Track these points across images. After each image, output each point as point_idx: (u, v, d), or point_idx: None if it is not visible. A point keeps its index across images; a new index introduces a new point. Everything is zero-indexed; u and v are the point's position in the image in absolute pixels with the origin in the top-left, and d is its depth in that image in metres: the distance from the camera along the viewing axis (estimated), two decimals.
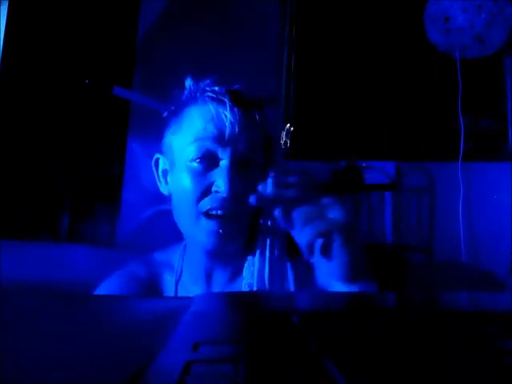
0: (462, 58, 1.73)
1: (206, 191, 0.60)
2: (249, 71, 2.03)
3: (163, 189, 0.71)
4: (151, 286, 0.70)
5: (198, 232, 0.62)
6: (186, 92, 0.68)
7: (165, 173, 0.70)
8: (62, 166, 1.90)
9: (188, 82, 0.69)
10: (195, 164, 0.60)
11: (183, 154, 0.62)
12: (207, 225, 0.60)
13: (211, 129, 0.60)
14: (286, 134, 0.79)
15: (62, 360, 0.22)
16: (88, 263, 1.25)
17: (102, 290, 0.72)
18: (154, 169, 0.72)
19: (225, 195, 0.59)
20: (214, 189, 0.60)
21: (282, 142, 0.74)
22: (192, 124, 0.62)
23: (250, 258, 0.66)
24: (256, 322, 0.28)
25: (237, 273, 0.68)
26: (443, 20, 1.67)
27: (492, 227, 1.72)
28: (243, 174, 0.61)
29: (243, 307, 0.34)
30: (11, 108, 1.80)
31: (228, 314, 0.32)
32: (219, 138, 0.59)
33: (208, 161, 0.60)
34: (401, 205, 1.79)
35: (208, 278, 0.69)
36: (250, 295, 0.53)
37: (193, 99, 0.65)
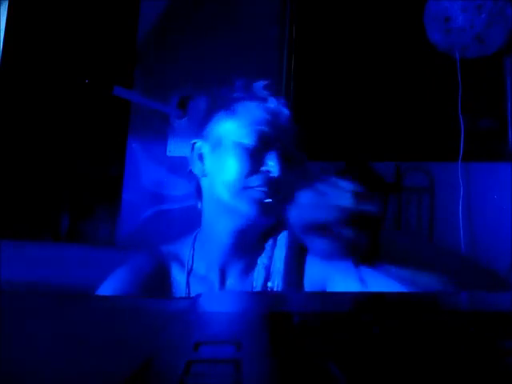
0: (461, 58, 1.73)
1: (254, 169, 0.67)
2: (249, 71, 2.03)
3: (197, 170, 0.76)
4: (159, 279, 0.72)
5: (243, 202, 0.67)
6: (238, 89, 0.74)
7: (201, 156, 0.76)
8: (62, 166, 1.90)
9: (240, 81, 0.76)
10: (251, 145, 0.67)
11: (235, 135, 0.68)
12: (255, 195, 0.66)
13: (270, 118, 0.67)
14: None
15: (61, 361, 0.23)
16: (88, 263, 1.25)
17: (110, 283, 0.73)
18: (190, 153, 0.78)
19: (275, 175, 0.65)
20: (264, 168, 0.67)
21: None
22: (250, 113, 0.69)
23: (264, 251, 0.70)
24: (256, 322, 0.28)
25: (250, 265, 0.70)
26: (443, 20, 1.67)
27: (492, 227, 1.72)
28: (287, 166, 0.68)
29: (243, 307, 0.34)
30: (11, 108, 1.81)
31: (228, 313, 0.32)
32: (276, 127, 0.67)
33: (262, 144, 0.67)
34: (401, 205, 1.79)
35: (221, 269, 0.71)
36: (250, 295, 0.53)
37: (250, 95, 0.72)
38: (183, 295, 0.71)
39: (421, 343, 0.25)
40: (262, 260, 0.70)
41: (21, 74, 1.83)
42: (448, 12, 1.66)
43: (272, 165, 0.66)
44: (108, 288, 0.72)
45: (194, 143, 0.78)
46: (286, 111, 0.71)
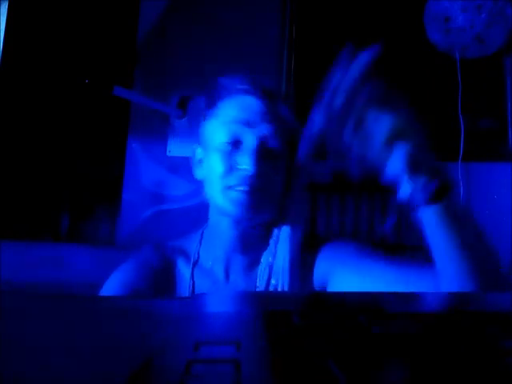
0: (461, 58, 1.73)
1: (230, 168, 0.67)
2: (249, 71, 2.03)
3: (198, 175, 0.78)
4: (164, 273, 0.73)
5: (227, 203, 0.68)
6: (219, 87, 0.73)
7: (200, 161, 0.78)
8: (62, 166, 1.90)
9: (221, 79, 0.74)
10: (224, 145, 0.67)
11: (215, 137, 0.69)
12: (234, 196, 0.67)
13: (239, 114, 0.67)
14: None
15: (60, 361, 0.23)
16: (88, 263, 1.25)
17: (117, 276, 0.74)
18: (192, 159, 0.79)
19: (249, 173, 0.65)
20: (240, 166, 0.67)
21: None
22: (225, 112, 0.69)
23: (269, 246, 0.70)
24: (256, 322, 0.28)
25: (255, 261, 0.71)
26: (443, 20, 1.67)
27: (492, 227, 1.72)
28: (267, 159, 0.67)
29: (244, 307, 0.34)
30: (11, 108, 1.81)
31: (228, 313, 0.32)
32: (246, 123, 0.66)
33: (235, 142, 0.67)
34: (401, 205, 1.79)
35: (227, 263, 0.72)
36: (250, 295, 0.53)
37: (227, 92, 0.71)
38: (187, 287, 0.71)
39: (420, 343, 0.25)
40: (266, 256, 0.70)
41: (21, 73, 1.83)
42: (448, 12, 1.66)
43: (244, 161, 0.66)
44: (115, 280, 0.73)
45: (195, 149, 0.79)
46: (266, 102, 0.69)
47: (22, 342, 0.25)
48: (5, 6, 1.81)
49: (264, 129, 0.68)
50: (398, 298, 0.39)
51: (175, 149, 1.83)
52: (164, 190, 1.76)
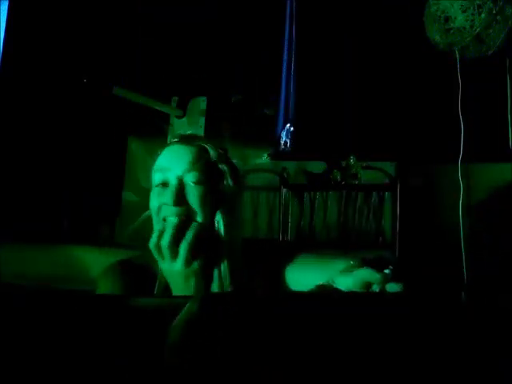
0: (461, 58, 1.73)
1: (161, 205, 0.80)
2: (249, 71, 2.03)
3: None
4: (140, 282, 0.84)
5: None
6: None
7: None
8: (62, 167, 1.90)
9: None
10: (157, 188, 0.81)
11: (153, 183, 0.83)
12: (167, 225, 0.78)
13: (166, 163, 0.82)
14: (286, 134, 0.81)
15: (61, 360, 0.23)
16: (88, 263, 1.25)
17: (102, 285, 0.85)
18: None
19: (171, 204, 0.78)
20: (164, 202, 0.80)
21: (282, 143, 0.77)
22: (158, 161, 0.84)
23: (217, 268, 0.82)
24: (250, 323, 0.28)
25: (208, 262, 0.81)
26: (443, 20, 1.67)
27: (492, 227, 1.72)
28: (191, 197, 0.79)
29: (238, 308, 0.34)
30: (11, 108, 1.81)
31: (224, 314, 0.32)
32: (169, 169, 0.81)
33: (163, 184, 0.81)
34: (400, 205, 1.79)
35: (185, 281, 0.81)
36: (245, 296, 0.53)
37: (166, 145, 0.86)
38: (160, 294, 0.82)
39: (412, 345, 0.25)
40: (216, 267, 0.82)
41: (21, 73, 1.83)
42: (448, 12, 1.66)
43: (167, 199, 0.78)
44: (102, 287, 0.83)
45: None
46: (183, 150, 0.82)
47: (22, 342, 0.25)
48: (5, 6, 1.81)
49: (184, 174, 0.80)
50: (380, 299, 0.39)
51: None
52: None
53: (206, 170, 0.82)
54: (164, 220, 0.79)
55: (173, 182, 0.80)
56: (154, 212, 0.81)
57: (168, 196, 0.79)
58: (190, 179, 0.80)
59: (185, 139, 0.86)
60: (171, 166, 0.82)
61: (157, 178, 0.82)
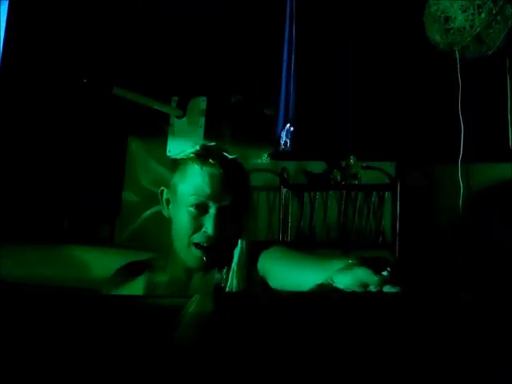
0: (461, 58, 1.73)
1: (197, 229, 0.86)
2: (249, 71, 2.04)
3: (165, 212, 0.94)
4: (139, 283, 0.90)
5: (188, 256, 0.87)
6: (191, 151, 0.90)
7: (168, 201, 0.94)
8: (62, 166, 1.90)
9: (195, 145, 0.91)
10: (192, 209, 0.86)
11: (184, 199, 0.88)
12: (195, 252, 0.86)
13: (206, 188, 0.86)
14: (286, 134, 0.82)
15: (62, 359, 0.23)
16: (88, 263, 1.25)
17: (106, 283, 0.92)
18: (159, 196, 0.95)
19: (210, 234, 0.85)
20: (203, 229, 0.86)
21: (282, 143, 0.78)
22: (193, 181, 0.87)
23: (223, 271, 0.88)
24: (250, 321, 0.28)
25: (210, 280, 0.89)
26: (443, 20, 1.67)
27: (492, 227, 1.72)
28: (225, 220, 0.86)
29: (238, 307, 0.34)
30: (11, 108, 1.81)
31: (224, 313, 0.32)
32: (210, 195, 0.85)
33: (201, 209, 0.86)
34: (400, 205, 1.79)
35: (186, 282, 0.89)
36: (245, 296, 0.53)
37: (195, 159, 0.88)
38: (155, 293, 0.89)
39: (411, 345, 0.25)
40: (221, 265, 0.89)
41: (21, 73, 1.83)
42: (448, 12, 1.66)
43: (208, 226, 0.85)
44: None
45: (162, 190, 0.95)
46: (227, 171, 0.86)
47: (23, 341, 0.25)
48: (5, 6, 1.81)
49: (223, 200, 0.86)
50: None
51: (175, 149, 1.84)
52: None
53: (239, 192, 0.89)
54: (196, 245, 0.85)
55: (212, 210, 0.86)
56: (183, 229, 0.86)
57: (209, 225, 0.85)
58: (227, 205, 0.86)
59: (212, 155, 0.88)
60: (209, 192, 0.86)
61: (192, 199, 0.86)
